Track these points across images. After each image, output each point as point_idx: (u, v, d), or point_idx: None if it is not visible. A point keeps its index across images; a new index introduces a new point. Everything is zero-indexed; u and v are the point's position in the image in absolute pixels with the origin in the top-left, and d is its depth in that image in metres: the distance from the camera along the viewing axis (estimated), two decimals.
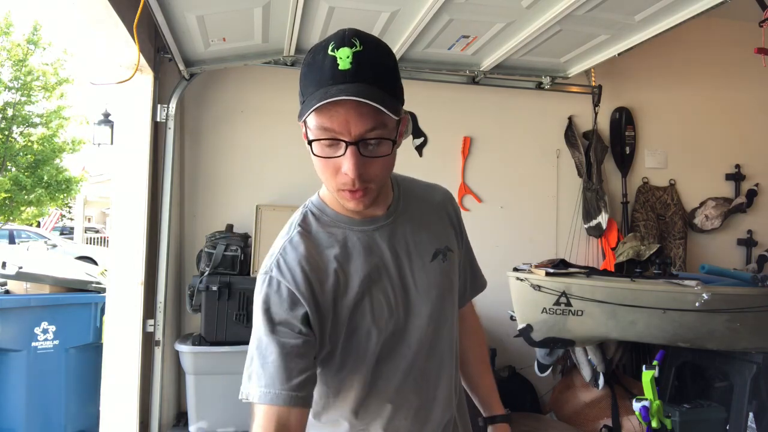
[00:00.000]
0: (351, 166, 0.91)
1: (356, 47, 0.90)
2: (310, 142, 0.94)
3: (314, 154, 0.94)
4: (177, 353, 2.94)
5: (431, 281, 1.08)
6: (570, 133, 3.68)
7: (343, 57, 0.89)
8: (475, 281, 1.31)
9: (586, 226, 3.61)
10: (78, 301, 3.19)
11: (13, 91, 12.53)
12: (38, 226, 16.88)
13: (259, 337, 0.96)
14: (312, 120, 0.91)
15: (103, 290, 3.15)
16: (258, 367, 0.94)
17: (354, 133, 0.90)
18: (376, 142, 0.92)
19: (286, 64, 3.11)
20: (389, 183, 1.12)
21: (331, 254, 1.02)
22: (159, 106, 3.02)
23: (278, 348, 0.93)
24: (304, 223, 1.05)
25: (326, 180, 0.97)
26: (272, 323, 0.95)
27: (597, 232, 3.56)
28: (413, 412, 1.07)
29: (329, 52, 0.90)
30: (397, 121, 0.96)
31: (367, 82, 0.89)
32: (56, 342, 3.09)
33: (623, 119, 3.75)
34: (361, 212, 1.04)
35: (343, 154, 0.91)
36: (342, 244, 1.03)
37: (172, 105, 3.03)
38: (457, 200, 1.27)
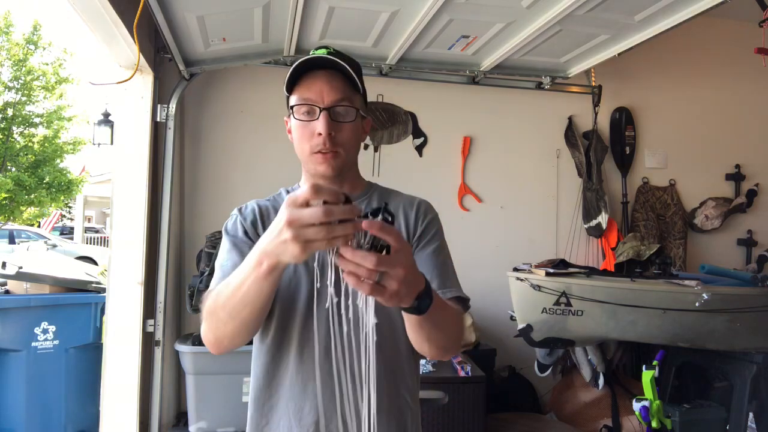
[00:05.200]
0: (323, 126, 1.12)
1: (331, 50, 1.16)
2: (291, 108, 1.16)
3: (295, 118, 1.16)
4: (177, 353, 2.93)
5: None
6: (570, 133, 3.68)
7: (320, 53, 1.14)
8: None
9: (586, 226, 3.61)
10: (78, 301, 3.19)
11: (14, 91, 12.52)
12: (38, 226, 16.88)
13: (220, 251, 1.20)
14: (294, 96, 1.15)
15: (103, 290, 3.15)
16: (217, 271, 1.17)
17: (327, 100, 1.12)
18: (345, 110, 1.14)
19: (286, 64, 3.12)
20: (362, 179, 1.29)
21: None
22: (159, 106, 3.02)
23: (233, 256, 1.16)
24: (277, 195, 1.30)
25: (302, 146, 1.17)
26: (228, 239, 1.19)
27: (597, 232, 3.56)
28: (324, 376, 1.09)
29: (310, 54, 1.15)
30: (363, 109, 1.19)
31: (339, 64, 1.12)
32: (56, 342, 3.09)
33: (623, 119, 3.75)
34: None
35: (317, 118, 1.12)
36: None
37: (172, 105, 3.03)
38: (436, 213, 1.27)
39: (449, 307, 1.08)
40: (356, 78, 1.14)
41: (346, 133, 1.15)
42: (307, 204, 0.78)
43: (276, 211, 1.20)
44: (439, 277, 1.18)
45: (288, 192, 1.29)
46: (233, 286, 0.97)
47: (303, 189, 0.79)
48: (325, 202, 0.78)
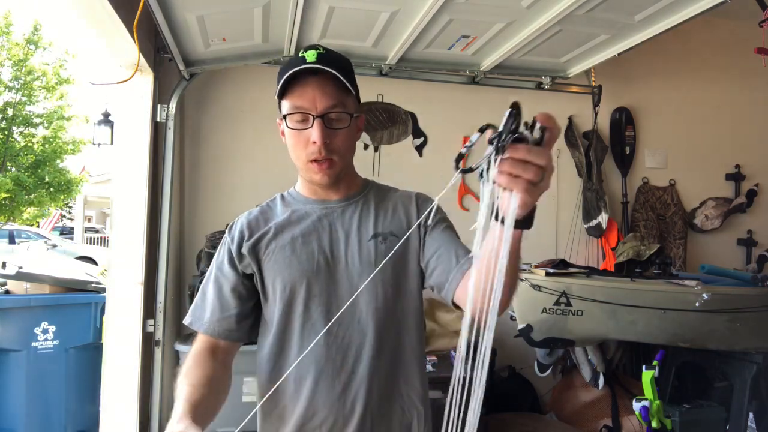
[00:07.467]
0: (318, 134, 1.12)
1: (321, 50, 1.15)
2: (284, 117, 1.16)
3: (288, 127, 1.16)
4: (177, 353, 2.93)
5: (363, 258, 1.19)
6: (570, 133, 3.67)
7: (310, 55, 1.13)
8: (458, 265, 1.15)
9: (586, 226, 3.61)
10: (78, 301, 3.19)
11: (14, 91, 12.52)
12: (38, 226, 16.88)
13: (206, 276, 1.25)
14: (286, 103, 1.15)
15: (103, 290, 3.15)
16: (200, 300, 1.23)
17: (320, 108, 1.12)
18: (338, 116, 1.14)
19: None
20: (357, 177, 1.30)
21: (275, 218, 1.25)
22: (159, 106, 3.02)
23: (212, 290, 1.22)
24: (271, 201, 1.31)
25: (297, 155, 1.18)
26: (214, 268, 1.24)
27: (597, 232, 3.56)
28: (323, 375, 1.16)
29: (299, 54, 1.15)
30: (356, 109, 1.19)
31: (330, 68, 1.12)
32: (56, 342, 3.09)
33: (623, 119, 3.75)
34: (320, 193, 1.24)
35: (311, 126, 1.12)
36: (289, 212, 1.25)
37: (172, 105, 3.03)
38: (432, 203, 1.23)
39: None
40: (347, 82, 1.14)
41: (340, 139, 1.16)
42: None
43: (265, 220, 1.24)
44: (462, 247, 1.17)
45: (283, 198, 1.29)
46: None
47: None
48: None
